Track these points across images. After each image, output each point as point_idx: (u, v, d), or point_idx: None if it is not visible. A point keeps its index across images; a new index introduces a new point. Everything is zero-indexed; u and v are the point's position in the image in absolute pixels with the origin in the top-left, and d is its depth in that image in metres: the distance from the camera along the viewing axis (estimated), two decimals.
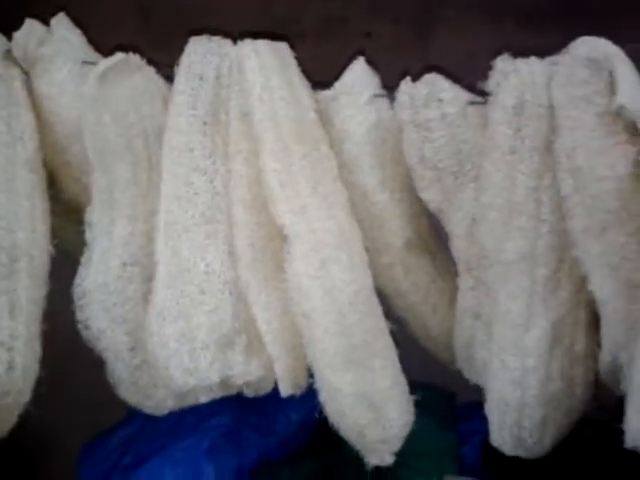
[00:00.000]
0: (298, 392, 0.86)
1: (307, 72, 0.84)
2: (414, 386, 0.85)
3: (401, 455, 0.86)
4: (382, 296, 0.86)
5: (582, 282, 0.79)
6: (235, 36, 0.83)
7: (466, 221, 0.83)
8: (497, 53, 0.79)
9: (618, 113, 0.73)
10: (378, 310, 0.83)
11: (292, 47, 0.84)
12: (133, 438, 1.15)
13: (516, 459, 0.94)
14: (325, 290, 0.79)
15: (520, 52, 0.79)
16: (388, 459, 0.84)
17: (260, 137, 0.80)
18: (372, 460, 0.84)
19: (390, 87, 0.84)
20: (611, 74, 0.74)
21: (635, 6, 1.17)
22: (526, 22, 1.25)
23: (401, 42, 1.27)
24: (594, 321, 0.82)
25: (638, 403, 0.72)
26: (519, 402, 0.82)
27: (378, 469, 0.87)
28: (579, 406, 0.86)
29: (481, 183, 0.80)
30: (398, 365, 0.83)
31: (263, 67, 0.80)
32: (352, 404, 0.81)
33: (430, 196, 0.85)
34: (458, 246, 0.85)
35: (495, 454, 0.99)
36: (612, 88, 0.73)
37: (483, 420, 0.87)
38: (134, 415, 1.14)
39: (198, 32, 0.84)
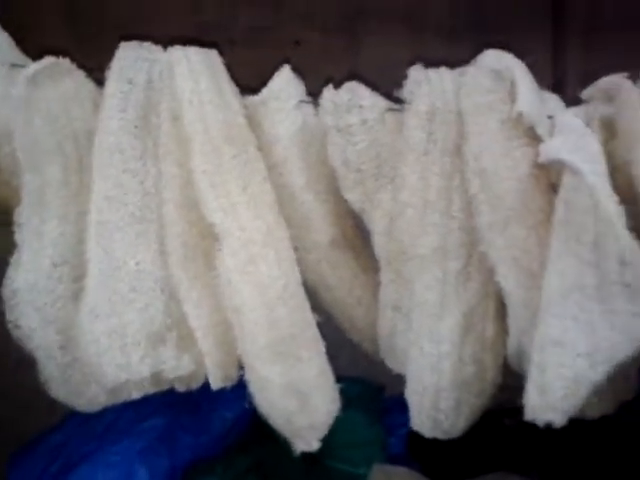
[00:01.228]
0: (229, 385, 0.89)
1: (236, 78, 0.88)
2: (342, 381, 0.89)
3: (330, 447, 0.90)
4: (310, 292, 0.91)
5: (490, 275, 0.86)
6: (165, 42, 0.86)
7: (385, 219, 0.89)
8: (415, 63, 0.86)
9: (518, 119, 0.80)
10: (306, 304, 0.87)
11: (221, 54, 0.87)
12: (63, 444, 1.14)
13: (440, 449, 0.99)
14: (254, 285, 0.82)
15: (437, 62, 0.86)
16: (315, 445, 0.88)
17: (190, 139, 0.83)
18: (299, 446, 0.88)
19: (316, 94, 0.89)
20: (512, 84, 0.81)
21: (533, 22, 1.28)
22: (444, 35, 1.33)
23: (329, 50, 1.33)
24: (502, 310, 0.89)
25: (536, 380, 0.79)
26: (435, 386, 0.88)
27: (308, 460, 0.91)
28: (490, 389, 0.92)
29: (398, 184, 0.86)
30: (325, 356, 0.87)
31: (193, 72, 0.83)
32: (280, 393, 0.84)
33: (353, 197, 0.90)
34: (379, 242, 0.91)
35: (420, 444, 1.05)
36: (513, 97, 0.81)
37: (409, 413, 0.92)
38: (64, 421, 1.13)
39: (128, 38, 0.86)
